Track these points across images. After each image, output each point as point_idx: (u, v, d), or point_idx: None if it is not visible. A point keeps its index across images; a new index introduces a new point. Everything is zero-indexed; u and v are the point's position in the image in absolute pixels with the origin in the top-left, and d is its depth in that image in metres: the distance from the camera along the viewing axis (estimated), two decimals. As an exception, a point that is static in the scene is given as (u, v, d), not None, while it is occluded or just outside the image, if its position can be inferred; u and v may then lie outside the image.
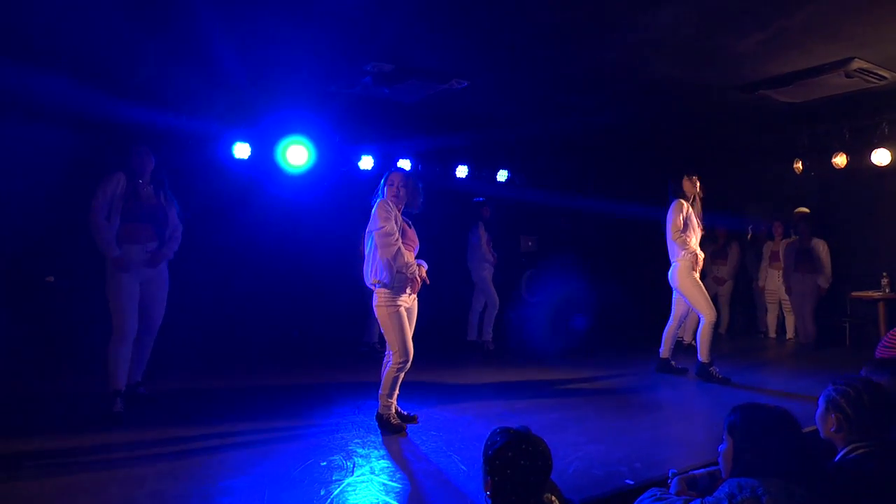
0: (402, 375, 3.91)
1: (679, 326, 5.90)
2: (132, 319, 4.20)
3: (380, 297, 3.85)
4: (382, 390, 3.93)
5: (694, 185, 5.65)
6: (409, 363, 3.89)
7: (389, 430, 3.88)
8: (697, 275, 5.55)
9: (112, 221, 4.19)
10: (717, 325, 8.12)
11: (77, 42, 4.59)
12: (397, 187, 3.93)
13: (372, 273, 3.87)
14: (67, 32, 4.44)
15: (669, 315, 5.83)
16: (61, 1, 3.98)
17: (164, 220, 4.41)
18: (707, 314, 5.47)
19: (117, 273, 4.16)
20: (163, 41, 4.60)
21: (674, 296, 5.77)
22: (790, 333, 7.96)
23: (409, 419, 4.06)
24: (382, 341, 4.04)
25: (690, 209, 5.61)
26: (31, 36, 4.49)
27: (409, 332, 3.91)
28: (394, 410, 3.97)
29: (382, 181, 3.99)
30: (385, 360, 3.96)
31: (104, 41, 4.60)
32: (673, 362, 5.80)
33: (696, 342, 5.61)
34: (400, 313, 3.84)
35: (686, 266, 5.49)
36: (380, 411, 3.96)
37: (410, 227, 4.01)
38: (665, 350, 5.80)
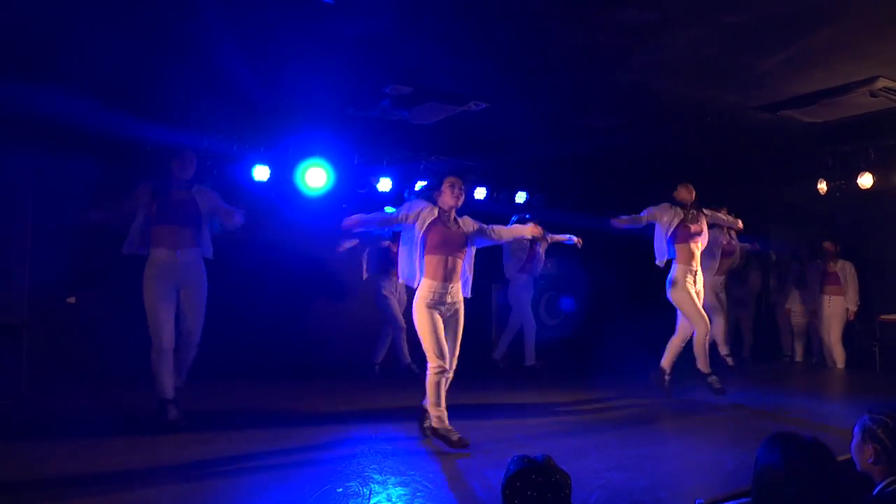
0: (443, 381, 3.88)
1: (684, 341, 5.68)
2: (167, 329, 4.20)
3: (415, 302, 3.94)
4: (428, 399, 3.92)
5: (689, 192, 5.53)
6: (449, 369, 3.88)
7: (450, 445, 3.81)
8: (693, 287, 5.42)
9: (134, 225, 4.24)
10: (740, 349, 8.03)
11: (100, 67, 4.69)
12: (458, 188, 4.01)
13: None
14: (92, 59, 4.54)
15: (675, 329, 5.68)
16: (88, 31, 4.07)
17: (196, 218, 4.33)
18: (700, 326, 5.35)
19: (153, 281, 4.16)
20: (184, 66, 4.68)
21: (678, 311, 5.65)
22: (817, 358, 7.76)
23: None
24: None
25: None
26: (59, 64, 4.59)
27: (443, 336, 3.90)
28: (447, 423, 3.90)
29: (432, 187, 4.13)
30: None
31: (125, 65, 4.69)
32: (667, 377, 5.60)
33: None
34: (432, 318, 3.86)
35: (681, 275, 5.38)
36: (434, 425, 3.91)
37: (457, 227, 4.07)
38: (666, 360, 5.62)
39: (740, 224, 6.05)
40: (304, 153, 6.29)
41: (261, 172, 6.20)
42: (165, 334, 4.19)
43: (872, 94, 5.17)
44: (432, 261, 3.92)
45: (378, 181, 6.86)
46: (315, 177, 6.27)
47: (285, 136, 6.18)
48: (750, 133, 6.54)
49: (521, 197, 7.98)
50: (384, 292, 6.40)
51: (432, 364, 3.85)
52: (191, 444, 3.99)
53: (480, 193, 7.62)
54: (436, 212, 3.97)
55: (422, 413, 4.16)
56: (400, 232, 4.14)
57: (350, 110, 5.66)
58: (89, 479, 3.34)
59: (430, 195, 4.03)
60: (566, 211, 8.19)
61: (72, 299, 5.98)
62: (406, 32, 4.11)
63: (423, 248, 3.92)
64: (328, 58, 4.53)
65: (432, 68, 4.76)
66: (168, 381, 4.21)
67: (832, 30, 4.07)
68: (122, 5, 3.73)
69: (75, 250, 5.69)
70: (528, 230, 4.31)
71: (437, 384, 3.87)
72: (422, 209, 3.95)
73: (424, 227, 3.92)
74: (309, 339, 7.13)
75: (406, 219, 3.97)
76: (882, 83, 4.96)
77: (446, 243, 3.92)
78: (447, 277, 3.93)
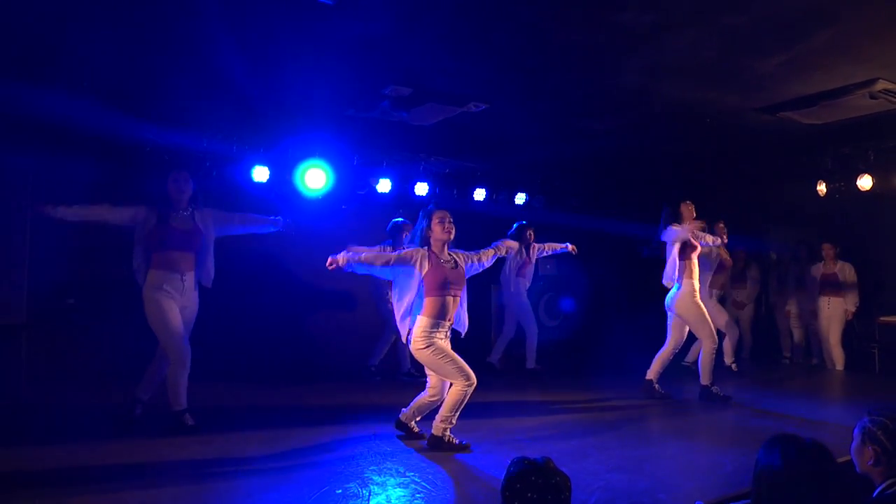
0: (469, 394, 3.90)
1: (674, 352, 5.76)
2: (184, 343, 4.23)
3: (413, 342, 3.93)
4: (446, 412, 3.92)
5: (691, 210, 5.63)
6: (475, 382, 3.89)
7: (452, 450, 3.88)
8: (699, 299, 5.52)
9: (136, 252, 4.26)
10: (739, 350, 8.03)
11: (100, 67, 4.69)
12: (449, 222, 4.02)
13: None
14: (92, 59, 4.53)
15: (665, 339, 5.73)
16: (88, 31, 4.07)
17: (199, 244, 4.36)
18: (708, 341, 5.43)
19: (160, 300, 4.17)
20: (183, 66, 4.67)
21: (669, 320, 5.67)
22: (816, 359, 7.76)
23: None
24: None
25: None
26: (59, 64, 4.58)
27: (458, 357, 3.92)
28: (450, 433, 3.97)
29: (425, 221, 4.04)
30: (425, 389, 4.08)
31: (125, 65, 4.69)
32: (657, 385, 5.67)
33: (696, 366, 5.61)
34: (441, 347, 3.89)
35: (689, 290, 5.44)
36: (436, 434, 3.94)
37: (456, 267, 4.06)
38: (652, 372, 5.69)
39: (722, 240, 6.07)
40: (304, 154, 6.28)
41: (260, 173, 6.19)
42: (185, 348, 4.23)
43: (872, 96, 5.17)
44: (430, 301, 3.94)
45: (377, 182, 6.86)
46: (314, 178, 6.27)
47: (285, 136, 6.17)
48: (749, 135, 6.54)
49: (520, 198, 7.97)
50: (389, 300, 6.36)
51: (461, 385, 3.86)
52: (190, 444, 3.99)
53: (480, 195, 7.61)
54: (430, 255, 4.00)
55: (405, 427, 4.23)
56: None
57: (350, 111, 5.66)
58: (89, 479, 3.34)
59: (423, 236, 4.03)
60: (566, 212, 8.19)
61: (70, 300, 5.97)
62: (406, 33, 4.11)
63: (422, 289, 3.95)
64: (328, 59, 4.53)
65: (432, 69, 4.76)
66: (184, 391, 4.25)
67: (832, 32, 4.07)
68: (121, 5, 3.72)
69: (75, 251, 5.68)
70: (491, 252, 4.35)
71: (462, 400, 3.90)
72: (419, 254, 3.97)
73: (424, 271, 3.94)
74: (308, 340, 7.12)
75: (405, 260, 3.97)
76: (881, 85, 4.97)
77: (445, 284, 3.93)
78: (445, 316, 3.96)
